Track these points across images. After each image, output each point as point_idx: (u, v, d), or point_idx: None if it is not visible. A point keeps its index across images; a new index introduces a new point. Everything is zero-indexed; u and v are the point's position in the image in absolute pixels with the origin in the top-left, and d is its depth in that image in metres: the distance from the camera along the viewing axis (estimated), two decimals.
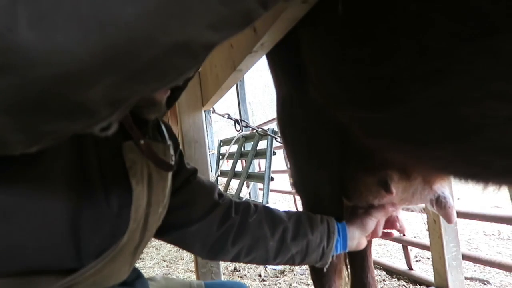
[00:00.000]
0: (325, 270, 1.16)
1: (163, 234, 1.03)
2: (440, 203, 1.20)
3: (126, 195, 0.74)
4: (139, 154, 0.77)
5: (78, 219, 0.67)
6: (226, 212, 1.03)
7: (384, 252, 3.61)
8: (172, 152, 0.91)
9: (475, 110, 0.59)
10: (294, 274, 2.96)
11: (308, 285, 2.71)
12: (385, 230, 1.24)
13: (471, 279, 2.70)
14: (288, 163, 1.32)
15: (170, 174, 0.91)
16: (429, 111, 0.65)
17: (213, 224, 1.00)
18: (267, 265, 3.17)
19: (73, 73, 0.34)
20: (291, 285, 2.73)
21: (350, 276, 1.52)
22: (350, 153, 1.16)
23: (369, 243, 1.48)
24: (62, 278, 0.68)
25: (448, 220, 1.20)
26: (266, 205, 1.12)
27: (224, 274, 3.06)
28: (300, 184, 1.27)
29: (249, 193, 4.79)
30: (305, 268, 3.10)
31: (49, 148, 0.49)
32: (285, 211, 1.10)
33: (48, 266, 0.67)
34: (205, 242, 1.01)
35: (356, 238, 1.09)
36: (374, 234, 1.17)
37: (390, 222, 1.26)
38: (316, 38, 0.87)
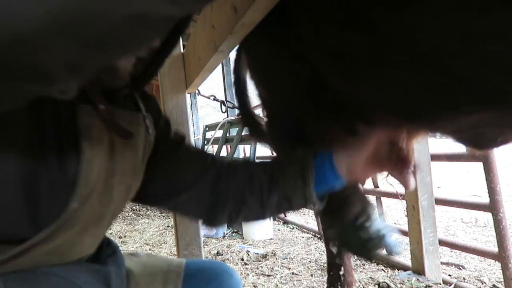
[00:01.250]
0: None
1: (155, 203, 1.05)
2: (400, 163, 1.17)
3: (78, 159, 0.72)
4: (98, 119, 0.75)
5: (33, 186, 0.67)
6: (216, 177, 0.99)
7: None
8: (147, 123, 0.90)
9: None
10: (276, 258, 3.00)
11: (289, 268, 2.76)
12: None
13: (447, 264, 2.78)
14: (266, 120, 1.32)
15: (142, 145, 0.88)
16: (401, 34, 0.68)
17: (204, 191, 0.98)
18: (249, 250, 3.21)
19: (28, 37, 0.35)
20: (273, 268, 2.77)
21: (326, 257, 1.56)
22: (323, 103, 1.12)
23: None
24: (14, 246, 0.67)
25: (405, 184, 1.08)
26: (244, 160, 1.10)
27: (206, 257, 3.09)
28: (273, 130, 1.28)
29: None
30: (287, 252, 3.15)
31: (5, 115, 0.49)
32: (262, 165, 1.05)
33: (3, 234, 0.67)
34: (198, 209, 1.00)
35: (344, 163, 0.90)
36: (382, 161, 0.92)
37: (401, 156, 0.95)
38: None
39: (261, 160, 1.17)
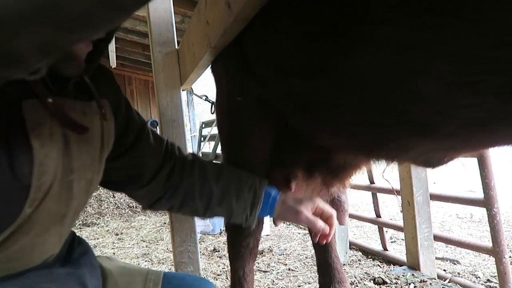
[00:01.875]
0: (243, 250, 1.27)
1: (114, 188, 1.05)
2: (335, 205, 1.35)
3: (29, 160, 0.66)
4: (47, 114, 0.69)
5: None
6: (170, 172, 1.03)
7: (361, 233, 3.69)
8: (103, 110, 0.85)
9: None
10: (273, 254, 3.01)
11: (286, 264, 2.77)
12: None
13: (442, 259, 2.80)
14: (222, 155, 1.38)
15: (98, 134, 0.84)
16: (342, 78, 0.79)
17: (160, 184, 1.01)
18: None
19: (4, 22, 0.35)
20: (269, 264, 2.78)
21: (315, 257, 1.59)
22: (272, 147, 1.24)
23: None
24: None
25: (339, 221, 1.36)
26: (204, 161, 1.12)
27: (203, 254, 3.09)
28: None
29: None
30: (283, 248, 3.16)
31: None
32: (219, 170, 1.08)
33: None
34: (150, 200, 1.05)
35: (281, 207, 1.06)
36: (314, 224, 1.05)
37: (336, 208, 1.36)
38: (269, 22, 0.93)
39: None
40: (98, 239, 3.92)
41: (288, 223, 4.02)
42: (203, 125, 6.06)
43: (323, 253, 1.60)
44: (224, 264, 2.84)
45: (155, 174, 1.00)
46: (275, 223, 1.18)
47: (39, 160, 0.67)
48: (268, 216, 1.10)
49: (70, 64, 0.72)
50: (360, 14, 0.67)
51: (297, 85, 0.94)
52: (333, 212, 1.06)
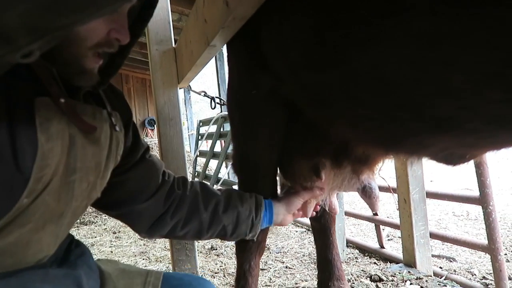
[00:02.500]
0: (251, 243, 1.27)
1: (110, 208, 1.03)
2: (365, 192, 1.34)
3: (33, 153, 0.68)
4: (57, 113, 0.72)
5: None
6: (170, 188, 1.06)
7: (358, 231, 3.71)
8: (113, 120, 0.88)
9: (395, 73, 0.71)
10: (270, 252, 3.01)
11: (283, 262, 2.78)
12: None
13: (438, 256, 2.82)
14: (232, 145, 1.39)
15: (106, 141, 0.85)
16: (362, 71, 0.77)
17: (160, 202, 1.03)
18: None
19: None
20: (266, 262, 2.78)
21: (316, 253, 1.59)
22: (292, 136, 1.25)
23: (333, 221, 1.57)
24: None
25: (372, 208, 1.35)
26: (200, 181, 1.16)
27: (201, 252, 3.10)
28: (239, 165, 1.34)
29: (228, 173, 4.80)
30: (280, 246, 3.17)
31: None
32: (218, 188, 1.17)
33: None
34: (150, 219, 1.04)
35: (281, 214, 1.19)
36: (303, 214, 1.28)
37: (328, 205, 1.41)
38: (282, 14, 0.94)
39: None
40: (95, 237, 3.92)
41: None
42: (201, 124, 6.05)
43: (324, 250, 1.60)
44: (222, 262, 2.84)
45: (156, 190, 1.03)
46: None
47: (42, 152, 0.68)
48: (266, 222, 1.16)
49: (82, 76, 0.76)
50: (383, 2, 0.65)
51: (313, 79, 0.93)
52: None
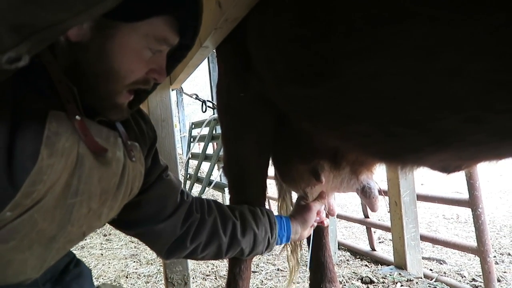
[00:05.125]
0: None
1: (127, 227, 1.00)
2: (365, 193, 1.35)
3: (31, 165, 0.64)
4: (68, 129, 0.68)
5: None
6: (189, 209, 1.04)
7: (350, 234, 3.72)
8: (133, 149, 0.84)
9: (386, 85, 0.67)
10: (262, 255, 3.01)
11: (274, 265, 2.77)
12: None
13: (428, 259, 2.84)
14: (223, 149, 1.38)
15: (117, 169, 0.80)
16: (355, 85, 0.73)
17: (178, 222, 1.00)
18: None
19: None
20: (258, 265, 2.78)
21: (309, 255, 1.59)
22: (286, 140, 1.25)
23: (326, 227, 1.59)
24: None
25: (371, 208, 1.35)
26: (214, 200, 1.15)
27: None
28: (228, 169, 1.34)
29: (220, 176, 4.79)
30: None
31: None
32: (228, 205, 1.16)
33: None
34: (168, 240, 1.01)
35: (298, 233, 1.22)
36: (321, 223, 1.30)
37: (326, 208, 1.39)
38: (267, 22, 0.91)
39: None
40: (85, 240, 3.88)
41: None
42: (193, 126, 6.04)
43: (317, 252, 1.61)
44: (213, 264, 2.83)
45: (174, 211, 1.00)
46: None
47: (39, 167, 0.64)
48: (285, 240, 1.19)
49: (113, 111, 0.77)
50: (377, 10, 0.60)
51: (297, 92, 0.90)
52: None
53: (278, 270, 2.67)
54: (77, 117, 0.70)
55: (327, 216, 1.37)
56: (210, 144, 5.21)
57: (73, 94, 0.71)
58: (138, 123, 0.94)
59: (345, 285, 2.17)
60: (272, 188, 2.75)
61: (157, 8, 0.72)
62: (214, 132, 4.82)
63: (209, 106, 2.16)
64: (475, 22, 0.50)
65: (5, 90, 0.63)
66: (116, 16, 0.68)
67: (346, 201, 5.16)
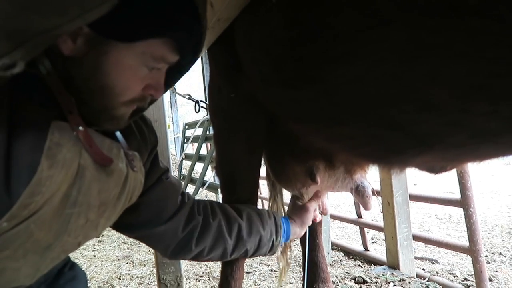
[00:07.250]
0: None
1: (128, 230, 1.00)
2: (359, 192, 1.36)
3: (29, 176, 0.63)
4: (71, 140, 0.68)
5: None
6: (190, 212, 1.03)
7: (343, 234, 3.73)
8: (133, 160, 0.83)
9: (371, 87, 0.68)
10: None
11: (268, 265, 2.77)
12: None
13: (421, 258, 2.86)
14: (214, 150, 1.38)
15: (118, 180, 0.79)
16: (339, 89, 0.74)
17: (179, 225, 1.00)
18: None
19: None
20: (251, 266, 2.78)
21: (302, 256, 1.60)
22: (280, 140, 1.25)
23: (319, 225, 1.60)
24: None
25: (365, 207, 1.37)
26: (218, 202, 1.15)
27: None
28: (220, 169, 1.34)
29: (213, 177, 4.78)
30: None
31: None
32: (234, 206, 1.15)
33: None
34: (171, 242, 1.01)
35: (297, 234, 1.25)
36: (315, 220, 1.33)
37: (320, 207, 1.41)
38: (254, 23, 0.90)
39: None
40: None
41: None
42: (187, 127, 6.02)
43: (311, 252, 1.61)
44: (207, 265, 2.83)
45: (175, 212, 0.99)
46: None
47: (39, 178, 0.63)
48: (283, 241, 1.20)
49: (110, 122, 0.75)
50: (360, 16, 0.61)
51: (283, 94, 0.90)
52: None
53: (271, 271, 2.67)
54: (81, 128, 0.69)
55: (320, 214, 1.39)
56: (204, 145, 5.20)
57: (72, 104, 0.70)
58: (139, 127, 0.92)
59: (338, 285, 2.18)
60: (265, 189, 2.75)
61: (155, 31, 0.69)
62: (207, 133, 4.81)
63: (202, 107, 2.16)
64: (453, 27, 0.50)
65: (1, 99, 0.62)
66: (112, 35, 0.66)
67: (339, 202, 5.18)
